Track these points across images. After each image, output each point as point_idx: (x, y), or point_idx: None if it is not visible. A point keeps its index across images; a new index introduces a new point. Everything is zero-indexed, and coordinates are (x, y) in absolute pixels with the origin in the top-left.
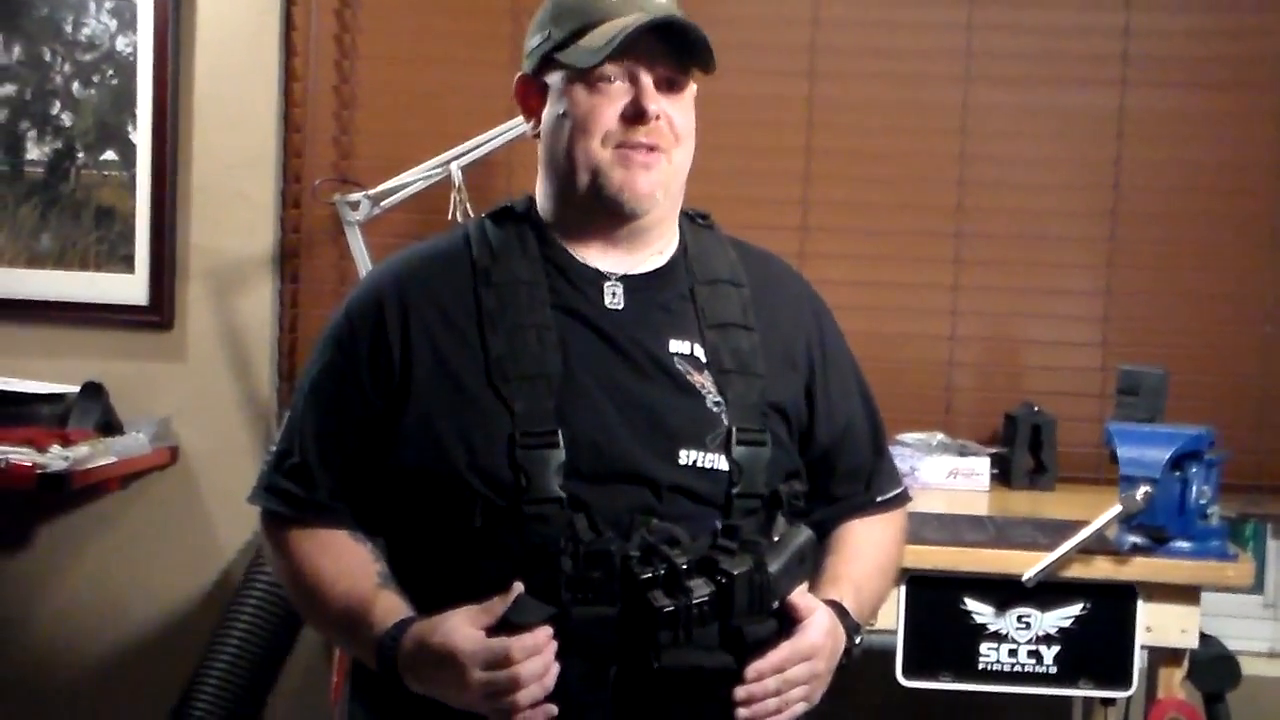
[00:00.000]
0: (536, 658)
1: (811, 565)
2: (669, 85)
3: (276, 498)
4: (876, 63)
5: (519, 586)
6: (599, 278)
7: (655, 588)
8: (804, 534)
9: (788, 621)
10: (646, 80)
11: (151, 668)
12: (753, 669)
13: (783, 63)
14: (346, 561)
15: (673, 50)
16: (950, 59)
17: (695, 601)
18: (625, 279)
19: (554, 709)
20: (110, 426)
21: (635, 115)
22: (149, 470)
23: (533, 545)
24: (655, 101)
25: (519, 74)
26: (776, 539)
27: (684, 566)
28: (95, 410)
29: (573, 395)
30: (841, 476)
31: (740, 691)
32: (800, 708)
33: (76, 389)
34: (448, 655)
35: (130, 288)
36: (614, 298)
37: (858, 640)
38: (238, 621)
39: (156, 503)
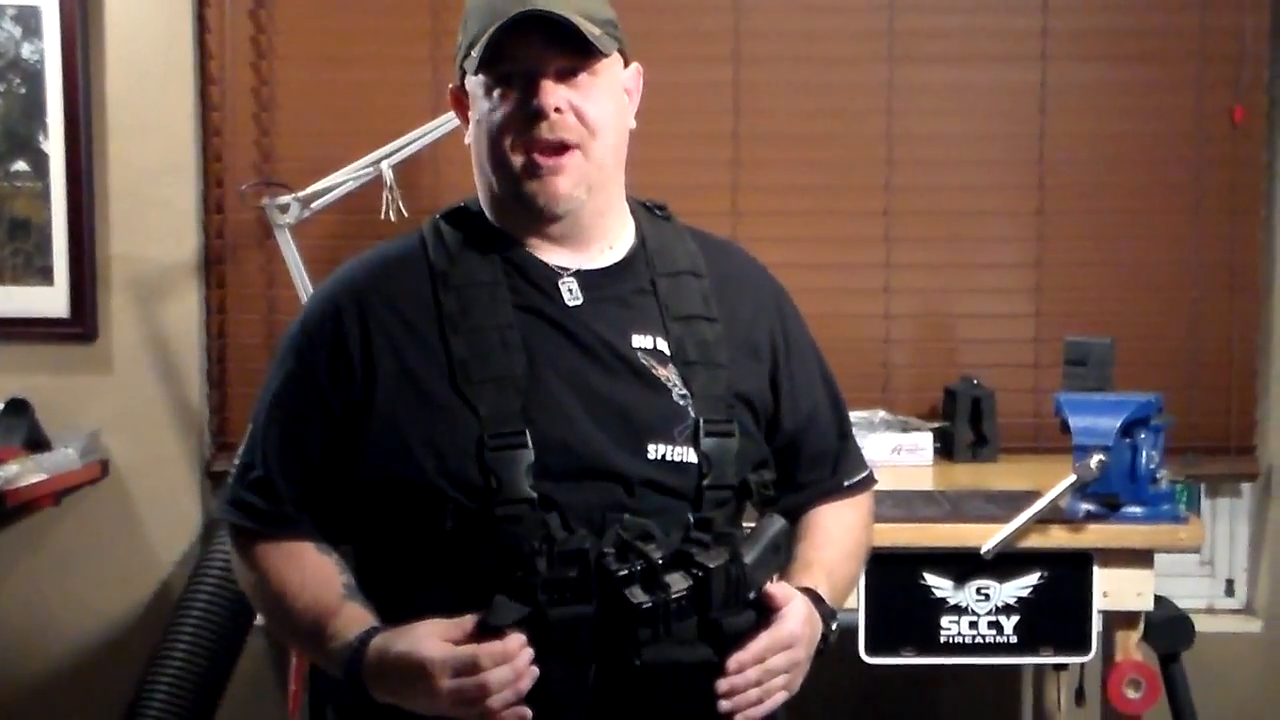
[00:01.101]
0: (505, 665)
1: (786, 554)
2: (574, 74)
3: (241, 511)
4: (800, 45)
5: (500, 600)
6: (555, 275)
7: (632, 584)
8: (777, 523)
9: (765, 611)
10: (543, 77)
11: (92, 686)
12: (734, 660)
13: (706, 49)
14: (312, 573)
15: (564, 39)
16: (873, 39)
17: (673, 596)
18: (581, 274)
19: (528, 714)
20: (38, 443)
21: (531, 115)
22: (80, 485)
23: (505, 547)
24: (550, 95)
25: (451, 85)
26: (750, 529)
27: (660, 562)
28: (21, 427)
29: (538, 395)
30: (807, 462)
31: (722, 684)
32: (781, 696)
33: (0, 406)
34: (415, 664)
35: (50, 300)
36: (571, 294)
37: (833, 626)
38: (182, 634)
39: (89, 518)
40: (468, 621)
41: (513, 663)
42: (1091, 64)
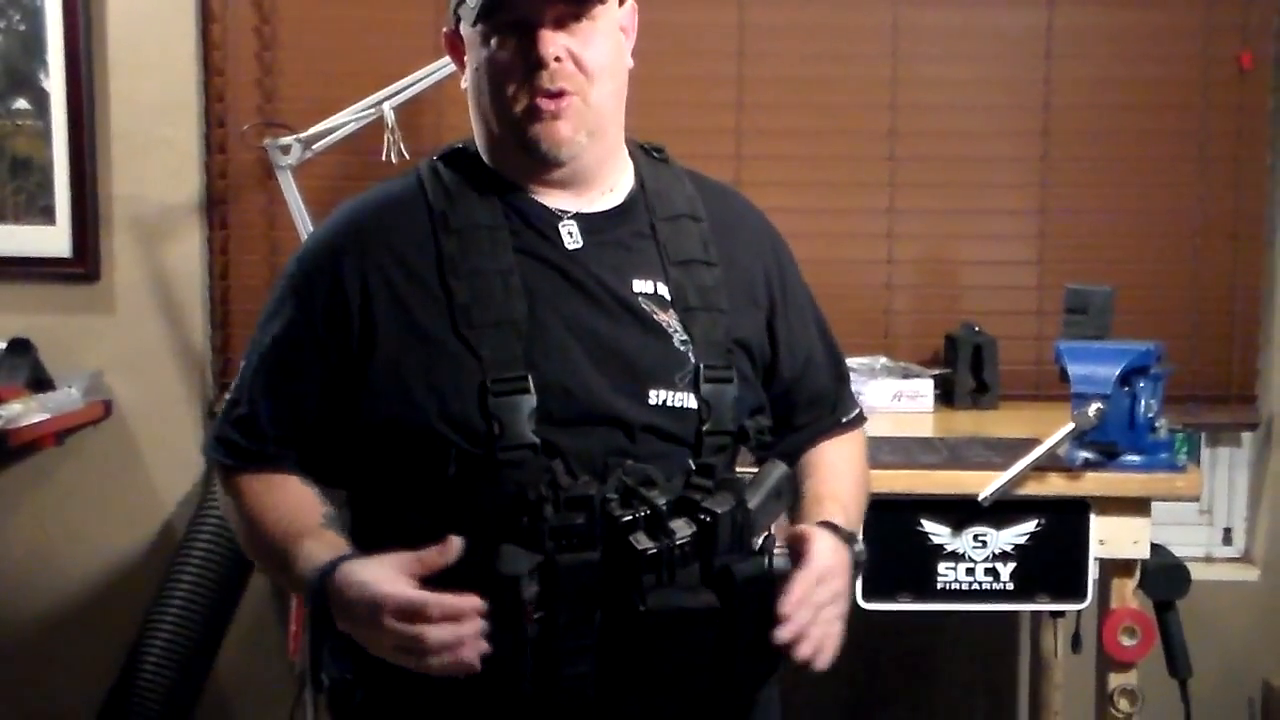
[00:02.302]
0: (447, 626)
1: (789, 500)
2: (572, 20)
3: (223, 448)
4: None
5: (456, 541)
6: (555, 218)
7: (636, 530)
8: (780, 469)
9: (794, 554)
10: (540, 27)
11: (94, 626)
12: (784, 607)
13: None
14: (293, 500)
15: None
16: None
17: (677, 542)
18: (580, 218)
19: (475, 667)
20: (41, 383)
21: (532, 64)
22: (83, 425)
23: (508, 493)
24: (550, 44)
25: (445, 30)
26: (753, 475)
27: (664, 508)
28: (24, 366)
29: (540, 339)
30: (805, 405)
31: (784, 633)
32: (839, 627)
33: (2, 345)
34: (368, 596)
35: (52, 240)
36: (571, 237)
37: (858, 548)
38: (184, 575)
39: (92, 458)
40: (431, 556)
41: (458, 626)
42: (1098, 9)
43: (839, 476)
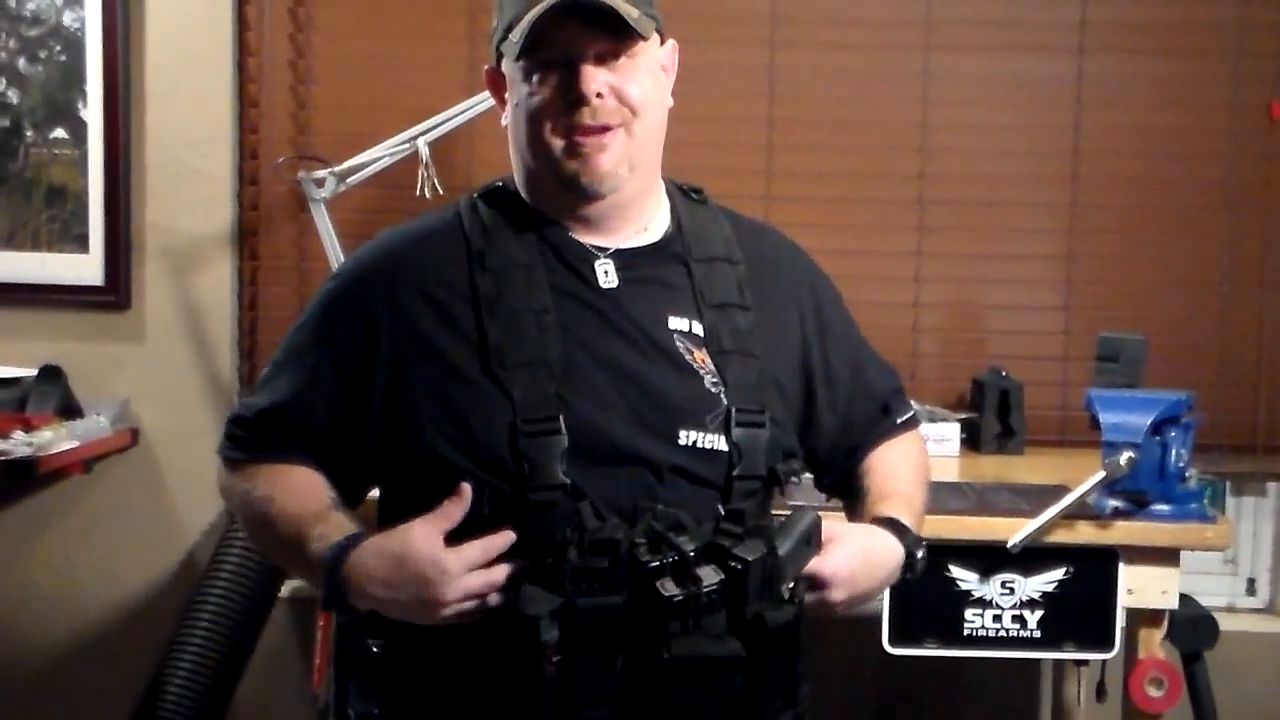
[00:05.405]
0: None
1: (818, 547)
2: (613, 57)
3: (232, 442)
4: (837, 31)
5: (466, 487)
6: (591, 255)
7: (663, 576)
8: (809, 516)
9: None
10: (583, 63)
11: (118, 653)
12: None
13: (743, 32)
14: (299, 485)
15: (604, 23)
16: (910, 27)
17: (704, 590)
18: (617, 254)
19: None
20: (70, 410)
21: (573, 101)
22: (110, 453)
23: (537, 532)
24: (591, 81)
25: (486, 67)
26: (782, 521)
27: (691, 554)
28: (54, 394)
29: (572, 378)
30: (863, 420)
31: None
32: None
33: (33, 372)
34: (396, 552)
35: (85, 268)
36: (607, 276)
37: (919, 554)
38: (207, 604)
39: (118, 486)
40: (449, 508)
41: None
42: (1129, 57)
43: (903, 475)
